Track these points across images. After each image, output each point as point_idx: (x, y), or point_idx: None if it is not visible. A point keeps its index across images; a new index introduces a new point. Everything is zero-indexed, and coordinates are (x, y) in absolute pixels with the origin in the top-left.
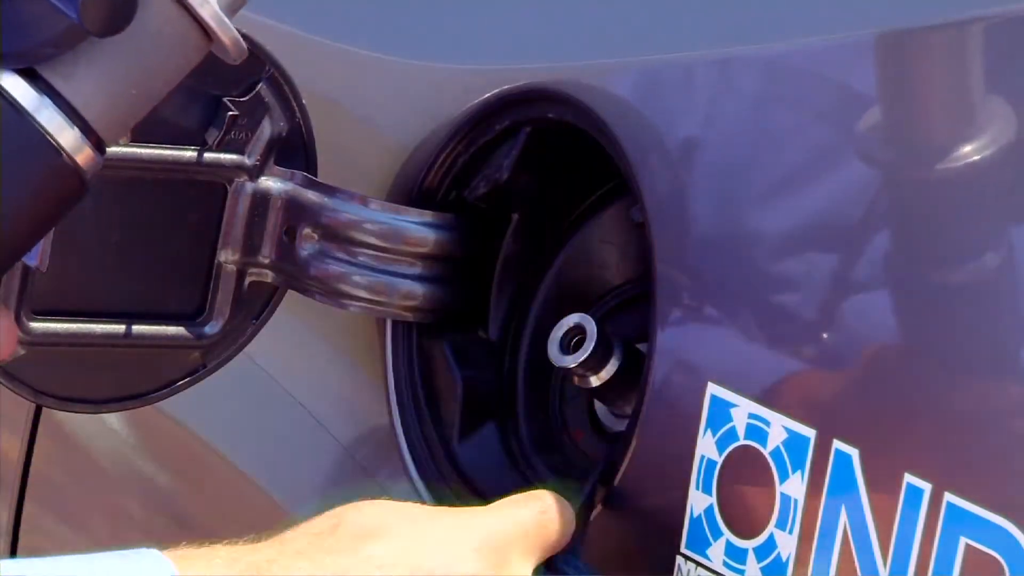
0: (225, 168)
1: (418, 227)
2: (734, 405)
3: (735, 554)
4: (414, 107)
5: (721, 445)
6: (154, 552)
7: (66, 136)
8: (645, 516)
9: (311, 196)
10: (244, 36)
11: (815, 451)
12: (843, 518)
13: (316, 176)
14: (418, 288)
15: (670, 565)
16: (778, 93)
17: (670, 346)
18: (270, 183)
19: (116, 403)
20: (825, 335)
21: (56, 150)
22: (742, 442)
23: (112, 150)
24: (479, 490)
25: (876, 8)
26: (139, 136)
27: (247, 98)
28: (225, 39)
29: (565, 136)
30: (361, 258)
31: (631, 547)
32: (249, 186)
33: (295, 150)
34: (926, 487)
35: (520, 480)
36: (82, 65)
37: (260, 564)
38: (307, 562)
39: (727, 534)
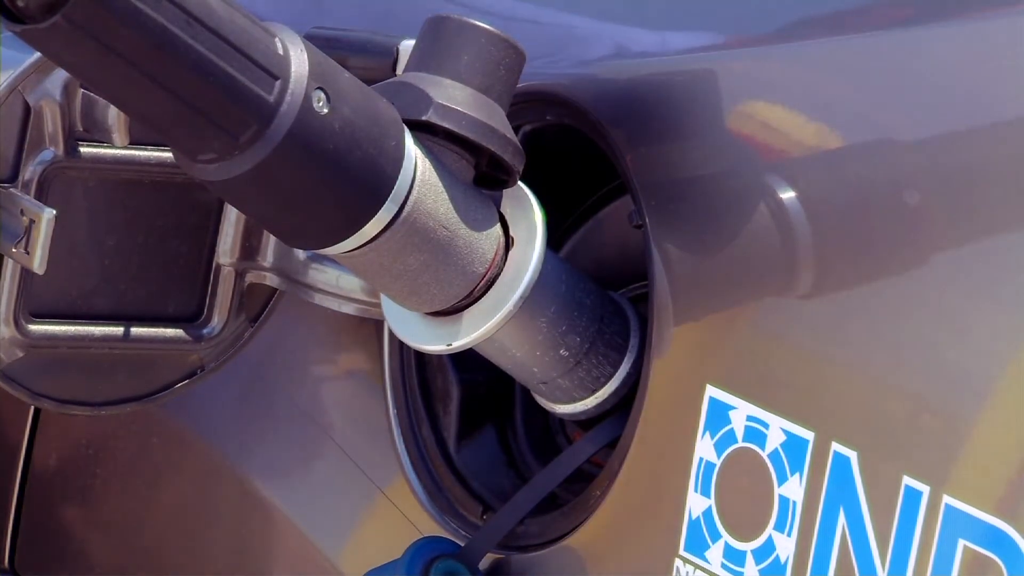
0: None
1: None
2: (732, 407)
3: (734, 556)
4: None
5: (719, 447)
6: None
7: None
8: (643, 518)
9: None
10: None
11: (814, 453)
12: (842, 520)
13: None
14: None
15: (668, 567)
16: (776, 93)
17: (668, 348)
18: None
19: (115, 405)
20: (824, 337)
21: None
22: (740, 444)
23: (112, 152)
24: (477, 492)
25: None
26: (138, 139)
27: None
28: None
29: (564, 137)
30: None
31: (629, 549)
32: None
33: None
34: (924, 489)
35: (518, 482)
36: None
37: None
38: None
39: (726, 536)
